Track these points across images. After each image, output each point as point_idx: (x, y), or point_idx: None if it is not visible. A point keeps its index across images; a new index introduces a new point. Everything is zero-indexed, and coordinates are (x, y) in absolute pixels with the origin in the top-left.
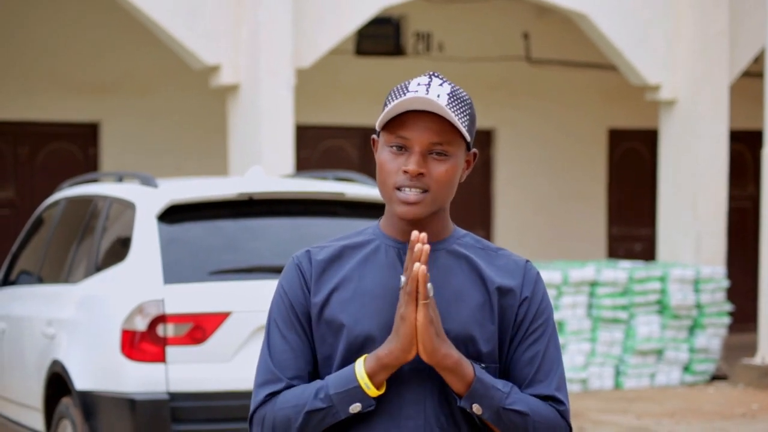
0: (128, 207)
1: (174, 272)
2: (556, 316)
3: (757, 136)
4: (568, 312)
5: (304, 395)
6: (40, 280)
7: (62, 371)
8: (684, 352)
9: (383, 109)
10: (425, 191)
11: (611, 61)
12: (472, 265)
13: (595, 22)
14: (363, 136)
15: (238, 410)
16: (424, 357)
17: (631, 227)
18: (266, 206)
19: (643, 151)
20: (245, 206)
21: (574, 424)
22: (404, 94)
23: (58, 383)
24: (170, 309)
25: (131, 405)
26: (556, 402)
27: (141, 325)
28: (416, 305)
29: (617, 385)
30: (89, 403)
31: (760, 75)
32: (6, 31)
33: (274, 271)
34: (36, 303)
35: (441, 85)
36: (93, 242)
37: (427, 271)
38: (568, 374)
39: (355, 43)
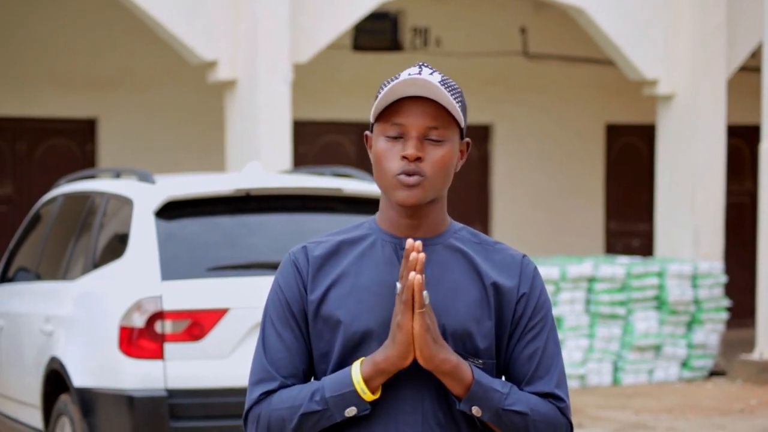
0: (126, 203)
1: (172, 268)
2: (554, 312)
3: (755, 131)
4: (566, 308)
5: (300, 396)
6: (38, 277)
7: (60, 368)
8: (682, 347)
9: (374, 102)
10: (424, 176)
11: (609, 56)
12: (468, 259)
13: (593, 17)
14: (361, 132)
15: (237, 407)
16: (421, 363)
17: (629, 222)
18: (264, 202)
19: (640, 146)
20: (243, 202)
21: (573, 419)
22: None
23: (56, 380)
24: (168, 305)
25: (129, 402)
26: (557, 399)
27: (139, 321)
28: (413, 313)
29: (615, 381)
30: (87, 400)
31: (757, 70)
32: (5, 28)
33: (272, 267)
34: (34, 300)
35: (431, 74)
36: (90, 239)
37: (424, 266)
38: (566, 370)
39: (352, 38)
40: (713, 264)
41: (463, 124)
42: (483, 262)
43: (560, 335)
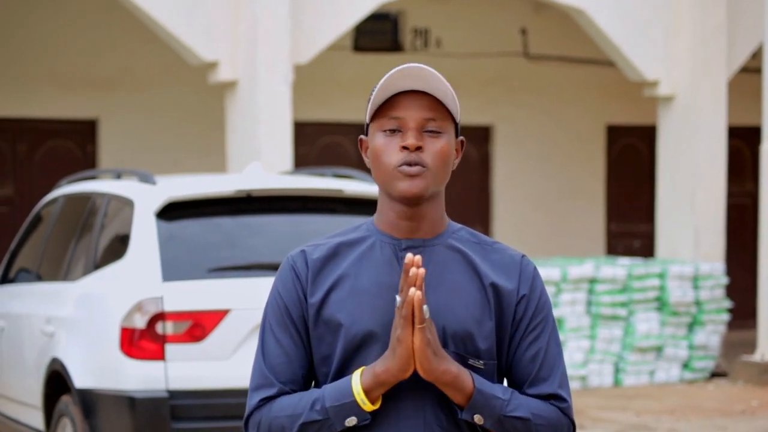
0: (126, 204)
1: (173, 269)
2: (555, 313)
3: (756, 132)
4: (567, 309)
5: (300, 405)
6: (39, 278)
7: (61, 369)
8: (683, 349)
9: (368, 104)
10: (425, 167)
11: (609, 57)
12: (467, 260)
13: (593, 18)
14: (361, 133)
15: (238, 408)
16: (422, 375)
17: (630, 224)
18: (265, 203)
19: (641, 148)
20: (244, 203)
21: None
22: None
23: (57, 381)
24: (169, 306)
25: (131, 403)
26: (559, 400)
27: (140, 322)
28: (412, 328)
29: (616, 383)
30: (89, 401)
31: (758, 71)
32: (5, 29)
33: (273, 268)
34: (35, 301)
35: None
36: (91, 240)
37: (424, 266)
38: (567, 371)
39: (353, 39)
40: (714, 265)
41: (457, 118)
42: (482, 262)
43: (561, 336)
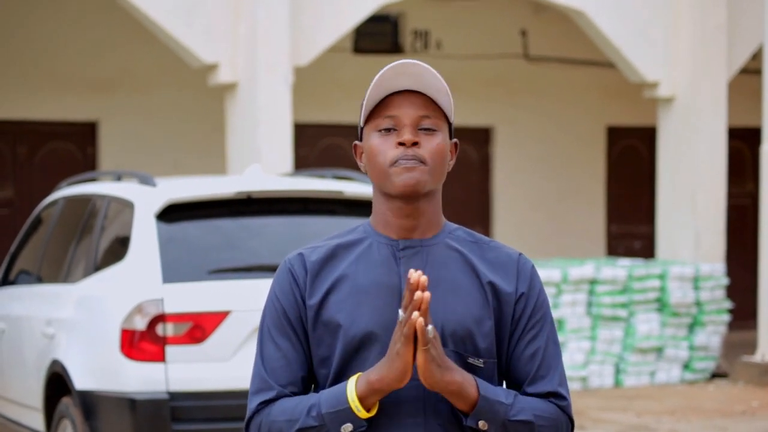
0: (127, 206)
1: (173, 271)
2: (556, 314)
3: (756, 133)
4: (568, 310)
5: (297, 410)
6: (39, 280)
7: (62, 371)
8: (684, 349)
9: (362, 107)
10: (422, 163)
11: (609, 59)
12: (465, 259)
13: (593, 19)
14: None
15: (238, 409)
16: (426, 386)
17: (630, 225)
18: (265, 205)
19: (641, 149)
20: (244, 205)
21: (574, 421)
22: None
23: (58, 383)
24: (169, 308)
25: (131, 404)
26: (559, 398)
27: (140, 324)
28: (413, 346)
29: (617, 383)
30: (89, 402)
31: (758, 72)
32: (5, 30)
33: (273, 269)
34: (35, 303)
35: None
36: (92, 241)
37: (421, 266)
38: (568, 372)
39: (353, 40)
40: (715, 266)
41: (451, 118)
42: (479, 261)
43: (562, 337)
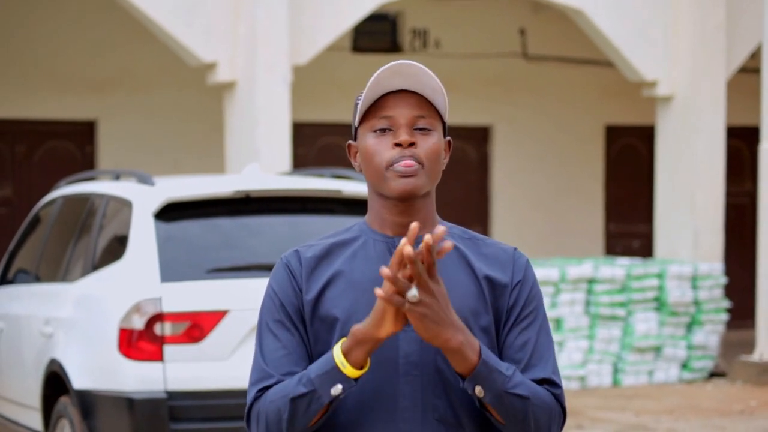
0: (125, 205)
1: (171, 270)
2: (554, 313)
3: (755, 132)
4: (566, 309)
5: (290, 385)
6: (38, 279)
7: (60, 370)
8: (682, 349)
9: (355, 107)
10: (420, 163)
11: (608, 58)
12: (461, 255)
13: (592, 18)
14: None
15: (236, 409)
16: (424, 340)
17: (629, 224)
18: (263, 204)
19: (640, 148)
20: (242, 204)
21: (573, 421)
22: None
23: (56, 382)
24: (167, 307)
25: (129, 404)
26: (553, 385)
27: (138, 323)
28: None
29: (615, 383)
30: (87, 402)
31: (757, 71)
32: (4, 29)
33: (271, 268)
34: (33, 302)
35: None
36: (90, 240)
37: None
38: (566, 372)
39: (351, 39)
40: (713, 265)
41: (445, 117)
42: (475, 257)
43: (560, 337)
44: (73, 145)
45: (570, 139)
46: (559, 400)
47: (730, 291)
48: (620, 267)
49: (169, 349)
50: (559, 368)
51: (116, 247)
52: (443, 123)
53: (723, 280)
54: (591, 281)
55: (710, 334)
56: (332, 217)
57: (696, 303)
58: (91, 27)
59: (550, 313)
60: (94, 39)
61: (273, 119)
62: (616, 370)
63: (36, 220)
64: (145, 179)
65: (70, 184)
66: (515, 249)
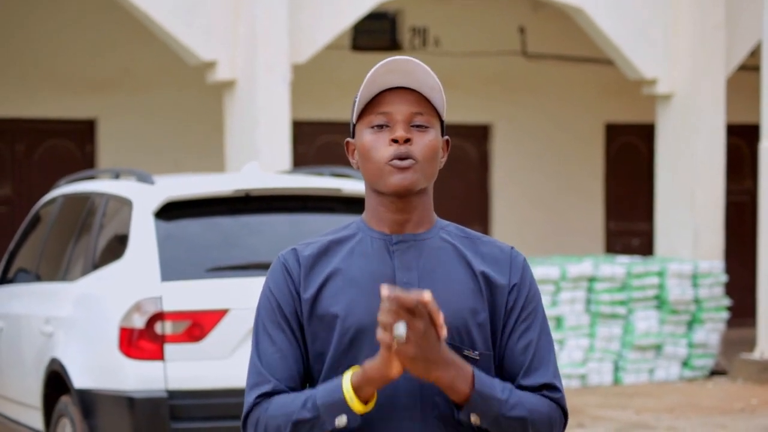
0: (125, 204)
1: (171, 269)
2: (555, 311)
3: (755, 130)
4: (567, 307)
5: (294, 404)
6: (38, 278)
7: (61, 369)
8: (683, 347)
9: (354, 104)
10: (415, 160)
11: (608, 56)
12: (458, 252)
13: (591, 16)
14: None
15: (237, 407)
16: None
17: (629, 222)
18: (263, 202)
19: (640, 146)
20: (242, 203)
21: (574, 419)
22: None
23: (56, 381)
24: (168, 306)
25: (130, 403)
26: (553, 390)
27: (139, 322)
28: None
29: (616, 381)
30: (88, 401)
31: (756, 69)
32: (4, 29)
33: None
34: (34, 301)
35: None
36: (90, 240)
37: (415, 260)
38: (567, 370)
39: (351, 38)
40: (713, 263)
41: (443, 115)
42: (472, 254)
43: (561, 335)
44: (73, 145)
45: (570, 138)
46: (560, 404)
47: (730, 289)
48: (620, 265)
49: (169, 348)
50: (559, 368)
51: (116, 246)
52: (441, 121)
53: (723, 278)
54: (591, 279)
55: (711, 332)
56: (332, 215)
57: (696, 301)
58: (91, 26)
59: (551, 312)
60: (94, 38)
61: (273, 118)
62: (616, 369)
63: (36, 220)
64: (145, 178)
65: (70, 183)
66: (512, 248)
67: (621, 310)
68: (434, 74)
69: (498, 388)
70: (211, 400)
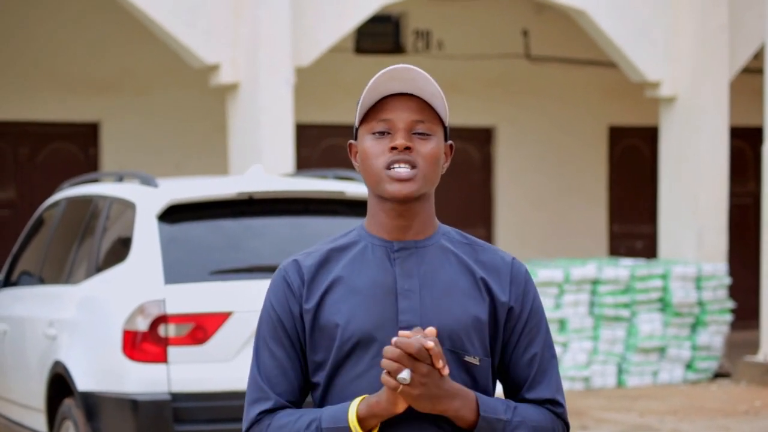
0: (128, 207)
1: (175, 272)
2: (558, 314)
3: (758, 132)
4: (570, 310)
5: (297, 425)
6: (41, 281)
7: (64, 372)
8: (686, 349)
9: (357, 107)
10: (415, 167)
11: (610, 58)
12: (459, 259)
13: (594, 19)
14: None
15: (240, 410)
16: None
17: (632, 224)
18: (266, 205)
19: (643, 148)
20: (245, 205)
21: (577, 422)
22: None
23: (60, 384)
24: (171, 309)
25: (133, 406)
26: (556, 404)
27: (142, 325)
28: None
29: (620, 383)
30: (91, 404)
31: (759, 71)
32: (6, 31)
33: (275, 270)
34: (37, 304)
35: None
36: (93, 242)
37: (417, 267)
38: (570, 373)
39: (354, 41)
40: (717, 266)
41: (446, 121)
42: (474, 262)
43: (564, 337)
44: (76, 147)
45: (573, 140)
46: (563, 418)
47: (734, 291)
48: (624, 268)
49: (173, 351)
50: (562, 371)
51: (120, 249)
52: (444, 128)
53: (727, 280)
54: (595, 282)
55: (714, 334)
56: (335, 218)
57: (700, 303)
58: (93, 28)
59: (555, 315)
60: (96, 40)
61: (276, 121)
62: (620, 371)
63: (39, 222)
64: (148, 181)
65: (73, 186)
66: (513, 259)
67: (624, 312)
68: (435, 82)
69: (501, 409)
70: (215, 403)
